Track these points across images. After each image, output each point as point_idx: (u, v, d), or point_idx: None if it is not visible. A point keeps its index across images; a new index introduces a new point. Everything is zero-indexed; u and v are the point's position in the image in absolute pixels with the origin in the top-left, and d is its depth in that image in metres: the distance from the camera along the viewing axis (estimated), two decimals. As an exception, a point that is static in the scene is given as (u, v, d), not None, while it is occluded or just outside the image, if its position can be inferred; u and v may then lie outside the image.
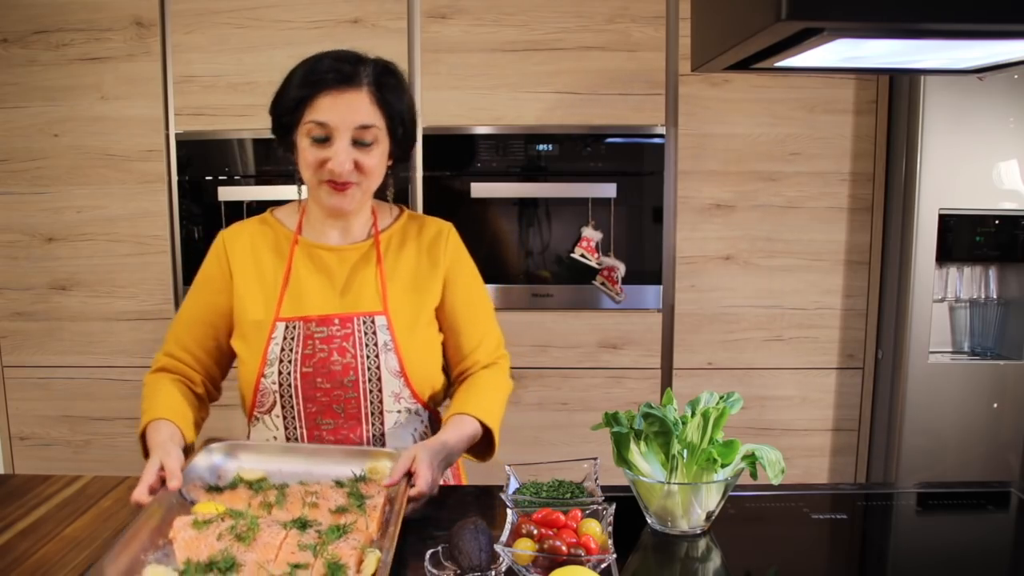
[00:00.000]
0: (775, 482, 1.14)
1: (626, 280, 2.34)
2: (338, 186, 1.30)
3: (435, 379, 1.43)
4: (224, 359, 1.45)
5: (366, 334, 1.34)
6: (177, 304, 2.41)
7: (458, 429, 1.32)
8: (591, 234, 2.32)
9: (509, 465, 1.19)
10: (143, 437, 1.29)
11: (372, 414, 1.35)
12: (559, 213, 2.34)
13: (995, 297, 2.30)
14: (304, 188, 1.38)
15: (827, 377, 2.40)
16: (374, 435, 1.36)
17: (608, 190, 2.30)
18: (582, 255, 2.32)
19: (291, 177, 2.31)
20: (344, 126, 1.27)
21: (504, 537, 1.01)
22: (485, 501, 1.25)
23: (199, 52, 2.30)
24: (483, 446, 1.39)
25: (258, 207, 2.34)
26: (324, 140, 1.27)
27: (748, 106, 2.29)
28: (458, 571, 0.95)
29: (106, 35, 2.30)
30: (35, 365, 2.44)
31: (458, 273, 1.44)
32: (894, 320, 2.27)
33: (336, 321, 1.34)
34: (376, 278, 1.38)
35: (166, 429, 1.27)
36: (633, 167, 2.33)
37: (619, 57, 2.28)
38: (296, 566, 1.00)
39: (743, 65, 1.06)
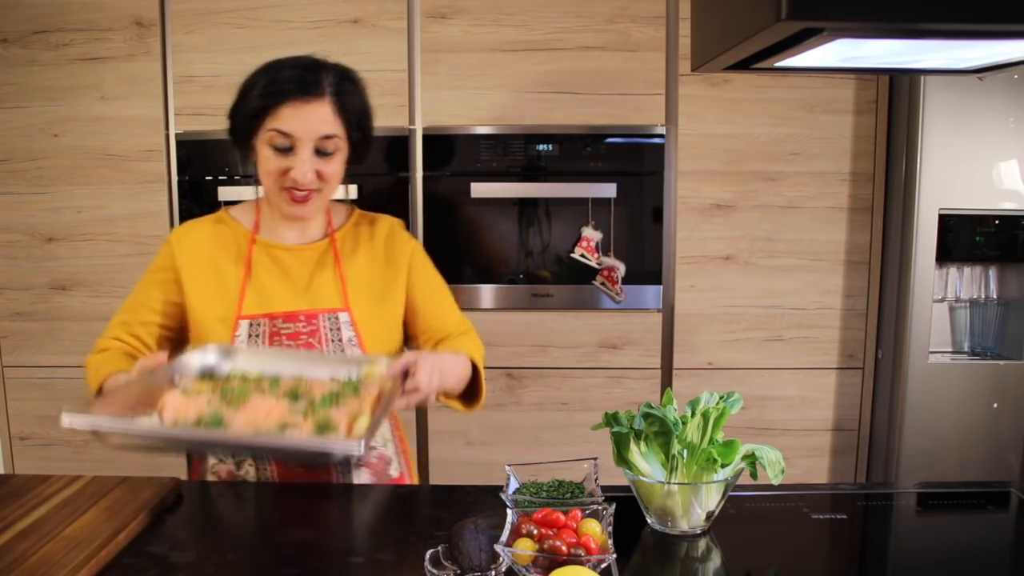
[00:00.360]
0: (775, 482, 1.14)
1: (626, 280, 2.34)
2: (298, 196, 1.32)
3: None
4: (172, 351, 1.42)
5: (331, 330, 1.37)
6: (177, 304, 2.41)
7: (452, 353, 1.36)
8: (591, 234, 2.32)
9: (509, 465, 1.19)
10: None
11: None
12: (559, 213, 2.34)
13: (995, 297, 2.30)
14: (261, 188, 1.40)
15: (827, 377, 2.40)
16: None
17: (608, 190, 2.30)
18: (582, 255, 2.32)
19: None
20: (307, 136, 1.28)
21: (504, 537, 1.01)
22: (485, 501, 1.25)
23: (199, 52, 2.30)
24: (468, 393, 1.43)
25: (258, 207, 2.34)
26: (287, 149, 1.29)
27: (748, 106, 2.29)
28: (458, 571, 0.95)
29: (106, 35, 2.30)
30: (35, 365, 2.44)
31: (420, 264, 1.48)
32: (894, 320, 2.27)
33: (302, 317, 1.36)
34: (336, 277, 1.40)
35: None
36: (633, 167, 2.33)
37: (619, 57, 2.28)
38: (285, 426, 0.99)
39: (743, 65, 1.06)
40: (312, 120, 1.28)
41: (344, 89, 1.31)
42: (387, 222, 1.50)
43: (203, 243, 1.40)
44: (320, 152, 1.30)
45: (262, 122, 1.29)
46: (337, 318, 1.37)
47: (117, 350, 1.38)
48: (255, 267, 1.38)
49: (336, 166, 1.33)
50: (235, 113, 1.33)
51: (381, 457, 1.44)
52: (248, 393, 1.10)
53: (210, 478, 1.38)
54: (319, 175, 1.31)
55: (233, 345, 1.32)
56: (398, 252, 1.45)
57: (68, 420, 1.02)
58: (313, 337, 1.36)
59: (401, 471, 1.48)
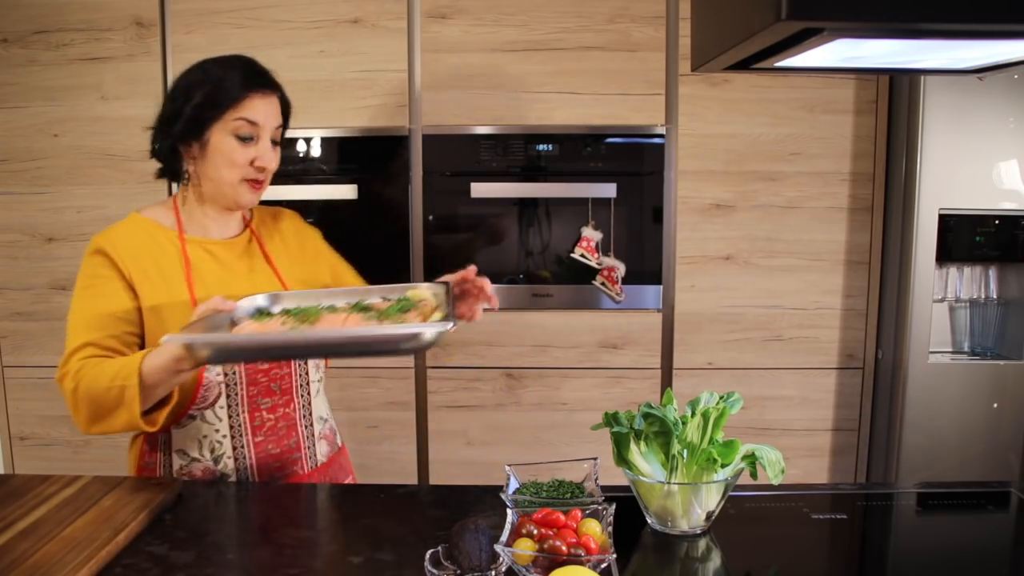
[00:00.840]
0: (775, 482, 1.14)
1: (626, 280, 2.34)
2: (257, 184, 1.40)
3: None
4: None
5: None
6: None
7: None
8: (591, 234, 2.32)
9: (509, 465, 1.19)
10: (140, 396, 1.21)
11: (300, 386, 1.44)
12: (559, 213, 2.34)
13: (995, 297, 2.30)
14: (177, 186, 1.44)
15: (827, 377, 2.40)
16: (304, 405, 1.45)
17: (608, 190, 2.30)
18: (582, 255, 2.32)
19: (290, 176, 2.31)
20: (268, 125, 1.38)
21: (504, 537, 1.01)
22: (485, 501, 1.25)
23: (199, 52, 2.26)
24: None
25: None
26: (249, 139, 1.36)
27: (748, 106, 2.29)
28: (458, 571, 0.95)
29: (106, 35, 2.30)
30: (35, 365, 2.44)
31: (327, 248, 1.60)
32: (894, 320, 2.27)
33: None
34: (266, 264, 1.47)
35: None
36: (633, 167, 2.33)
37: (619, 57, 2.28)
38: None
39: (743, 65, 1.06)
40: (271, 110, 1.38)
41: (282, 88, 1.43)
42: (283, 211, 1.60)
43: (133, 246, 1.37)
44: (273, 142, 1.40)
45: (223, 113, 1.34)
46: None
47: (101, 356, 1.30)
48: (193, 261, 1.40)
49: (278, 156, 1.43)
50: (202, 104, 1.35)
51: (331, 428, 1.53)
52: (318, 313, 1.16)
53: (185, 478, 1.36)
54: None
55: (277, 292, 1.38)
56: (307, 239, 1.57)
57: (167, 338, 1.09)
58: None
59: (342, 442, 1.57)
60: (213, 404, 1.36)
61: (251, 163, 1.37)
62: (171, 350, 1.16)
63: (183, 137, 1.37)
